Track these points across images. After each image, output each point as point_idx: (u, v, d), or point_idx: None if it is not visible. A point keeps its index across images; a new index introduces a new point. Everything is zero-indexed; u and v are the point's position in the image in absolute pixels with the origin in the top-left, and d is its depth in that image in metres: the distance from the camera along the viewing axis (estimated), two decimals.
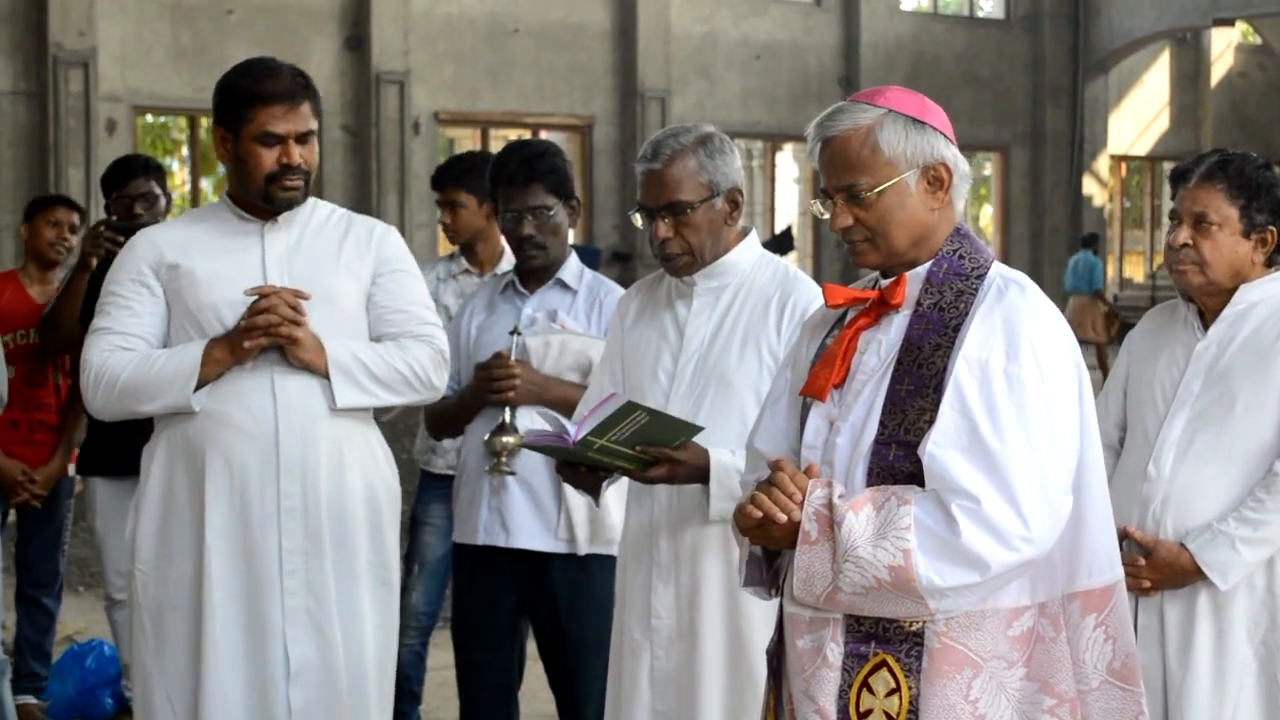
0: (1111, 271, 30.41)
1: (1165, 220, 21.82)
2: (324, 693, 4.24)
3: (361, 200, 21.11)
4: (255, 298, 4.17)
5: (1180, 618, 3.95)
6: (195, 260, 4.29)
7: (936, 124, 3.10)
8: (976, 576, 2.86)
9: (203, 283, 4.27)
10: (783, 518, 2.98)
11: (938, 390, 2.95)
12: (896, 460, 2.98)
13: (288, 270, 4.31)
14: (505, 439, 4.64)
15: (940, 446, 2.90)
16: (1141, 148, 30.58)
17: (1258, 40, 31.01)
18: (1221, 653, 3.92)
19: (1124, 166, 30.84)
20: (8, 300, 6.63)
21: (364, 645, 4.32)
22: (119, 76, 19.78)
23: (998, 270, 3.08)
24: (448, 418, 4.94)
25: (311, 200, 4.44)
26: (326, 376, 4.24)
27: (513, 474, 4.69)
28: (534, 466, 4.71)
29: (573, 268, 4.92)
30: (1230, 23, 28.15)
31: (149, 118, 21.86)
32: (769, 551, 3.21)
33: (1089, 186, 28.93)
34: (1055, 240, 28.63)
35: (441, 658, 7.45)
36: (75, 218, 6.70)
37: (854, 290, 3.18)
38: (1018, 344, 2.93)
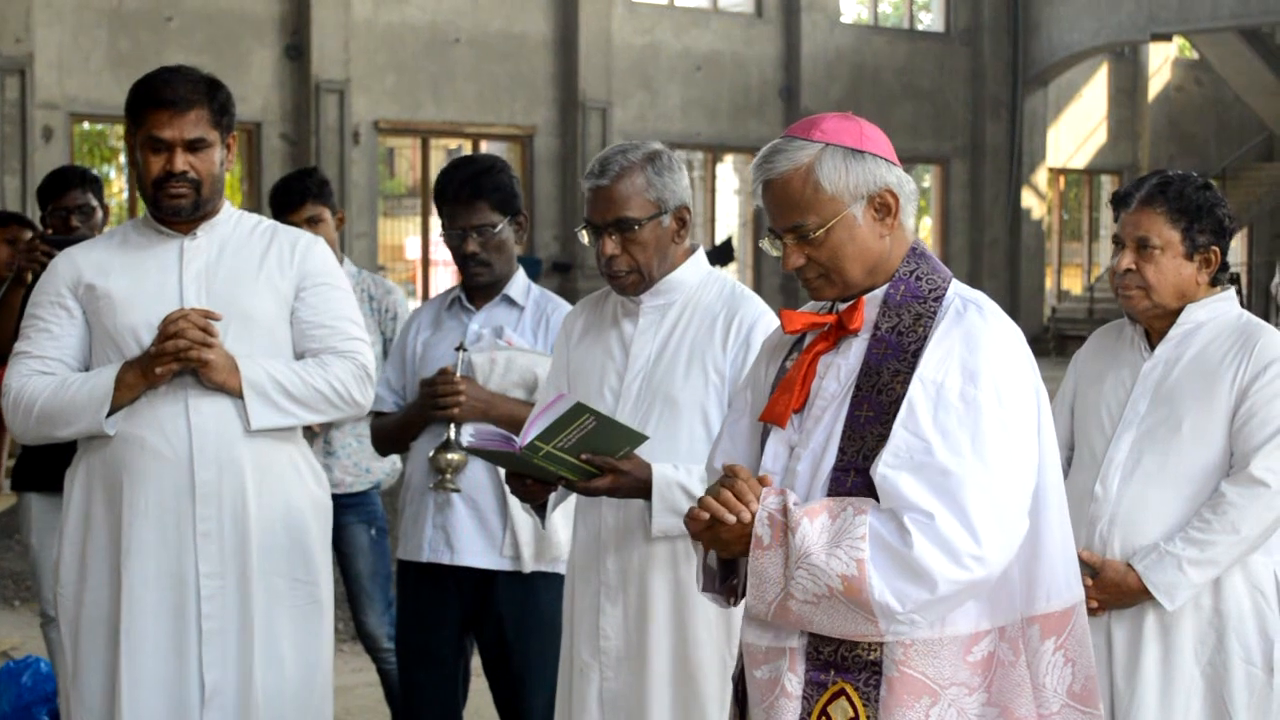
0: (1050, 284, 30.59)
1: (1104, 233, 21.94)
2: (240, 717, 4.19)
3: None
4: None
5: (1127, 638, 3.95)
6: (113, 281, 4.24)
7: (876, 149, 3.06)
8: (926, 593, 2.83)
9: (119, 304, 4.22)
10: (731, 519, 2.94)
11: (896, 415, 2.92)
12: (855, 487, 2.95)
13: (205, 287, 4.25)
14: (450, 456, 4.60)
15: (892, 467, 2.87)
16: (1080, 161, 30.79)
17: (1195, 55, 31.25)
18: (1169, 673, 3.93)
19: (1062, 179, 31.04)
20: None
21: (292, 667, 4.28)
22: (56, 83, 19.59)
23: (956, 290, 3.05)
24: (392, 433, 4.90)
25: (236, 212, 4.39)
26: (241, 397, 4.19)
27: (458, 491, 4.65)
28: (479, 483, 4.68)
29: (519, 284, 4.88)
30: (1168, 38, 28.35)
31: (86, 125, 21.65)
32: (724, 563, 3.19)
33: (1028, 199, 29.10)
34: (994, 252, 28.80)
35: (354, 676, 7.43)
36: (29, 234, 6.61)
37: (812, 315, 3.14)
38: (975, 366, 2.91)
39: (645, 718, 3.92)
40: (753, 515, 2.94)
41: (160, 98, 4.19)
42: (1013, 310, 28.79)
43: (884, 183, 3.04)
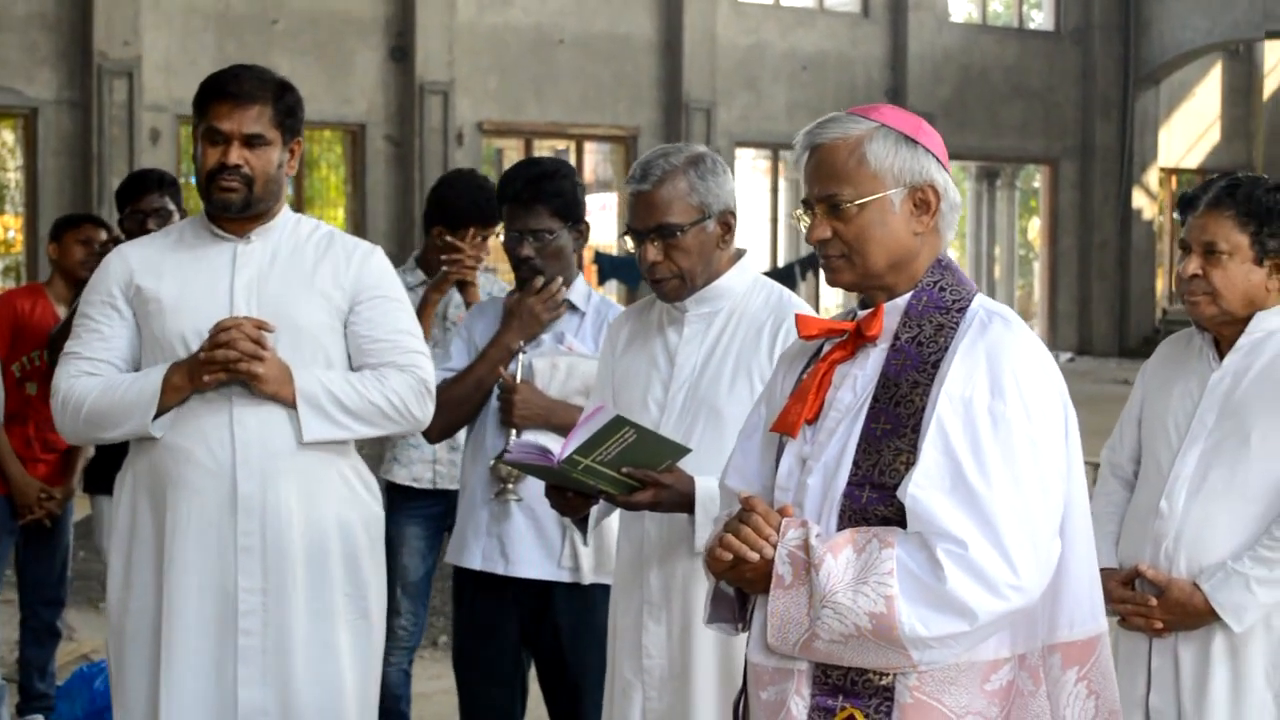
0: (1161, 286, 30.12)
1: None
2: None
3: (404, 211, 21.10)
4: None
5: (1195, 660, 3.79)
6: (164, 284, 4.19)
7: (930, 145, 2.95)
8: (964, 625, 2.70)
9: (169, 309, 4.17)
10: (754, 557, 2.83)
11: (916, 430, 2.80)
12: (870, 503, 2.82)
13: (256, 295, 4.18)
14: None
15: (922, 488, 2.74)
16: (1192, 161, 30.28)
17: None
18: (1239, 696, 3.76)
19: (1174, 180, 30.53)
20: (36, 317, 6.59)
21: (342, 685, 4.20)
22: (163, 86, 19.77)
23: (980, 303, 2.92)
24: (456, 402, 4.71)
25: (294, 217, 4.33)
26: (295, 408, 4.12)
27: (520, 500, 4.58)
28: (539, 493, 4.56)
29: (580, 289, 4.77)
30: None
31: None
32: (740, 590, 3.07)
33: (1139, 199, 28.66)
34: (1104, 254, 28.40)
35: (432, 684, 7.36)
36: (104, 235, 6.64)
37: (829, 321, 3.03)
38: (1002, 380, 2.77)
39: None
40: (774, 550, 2.83)
41: (224, 90, 4.15)
42: (1123, 312, 28.53)
43: (929, 178, 2.92)
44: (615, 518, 4.08)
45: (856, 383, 2.93)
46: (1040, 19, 29.08)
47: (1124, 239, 28.54)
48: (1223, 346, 3.90)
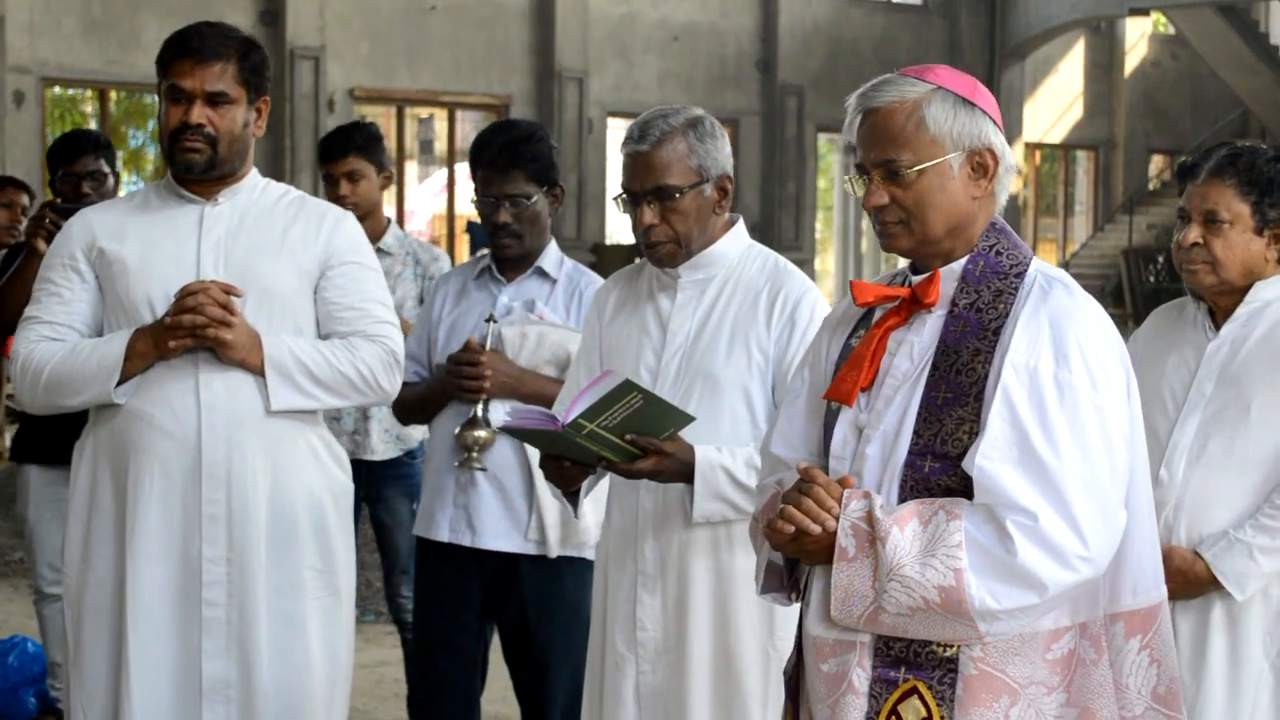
0: None
1: (1079, 209, 21.81)
2: (243, 711, 4.00)
3: (275, 178, 20.56)
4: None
5: (1193, 629, 3.78)
6: (127, 246, 4.05)
7: (986, 107, 2.89)
8: (1035, 598, 2.67)
9: (133, 271, 4.03)
10: (816, 529, 2.77)
11: (978, 399, 2.75)
12: (933, 473, 2.77)
13: (224, 257, 4.05)
14: (477, 433, 4.41)
15: (990, 459, 2.69)
16: (1056, 136, 30.68)
17: (1170, 30, 31.15)
18: (1236, 665, 3.75)
19: (1038, 154, 30.92)
20: None
21: (308, 661, 4.08)
22: (27, 47, 19.33)
23: (1038, 268, 2.87)
24: (415, 405, 4.69)
25: (263, 181, 4.20)
26: (263, 375, 4.00)
27: (484, 470, 4.46)
28: (506, 463, 4.49)
29: (553, 256, 4.67)
30: (1145, 12, 28.28)
31: (57, 90, 21.35)
32: (789, 558, 3.00)
33: None
34: None
35: (373, 654, 7.27)
36: (25, 198, 6.42)
37: (884, 287, 2.96)
38: (1066, 348, 2.73)
39: (685, 712, 3.75)
40: (836, 522, 2.77)
41: (187, 46, 4.01)
42: None
43: (988, 141, 2.86)
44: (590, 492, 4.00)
45: (914, 350, 2.87)
46: None
47: None
48: (1218, 316, 3.90)
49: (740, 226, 3.95)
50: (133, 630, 3.96)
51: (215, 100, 4.01)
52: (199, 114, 4.00)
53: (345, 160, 5.77)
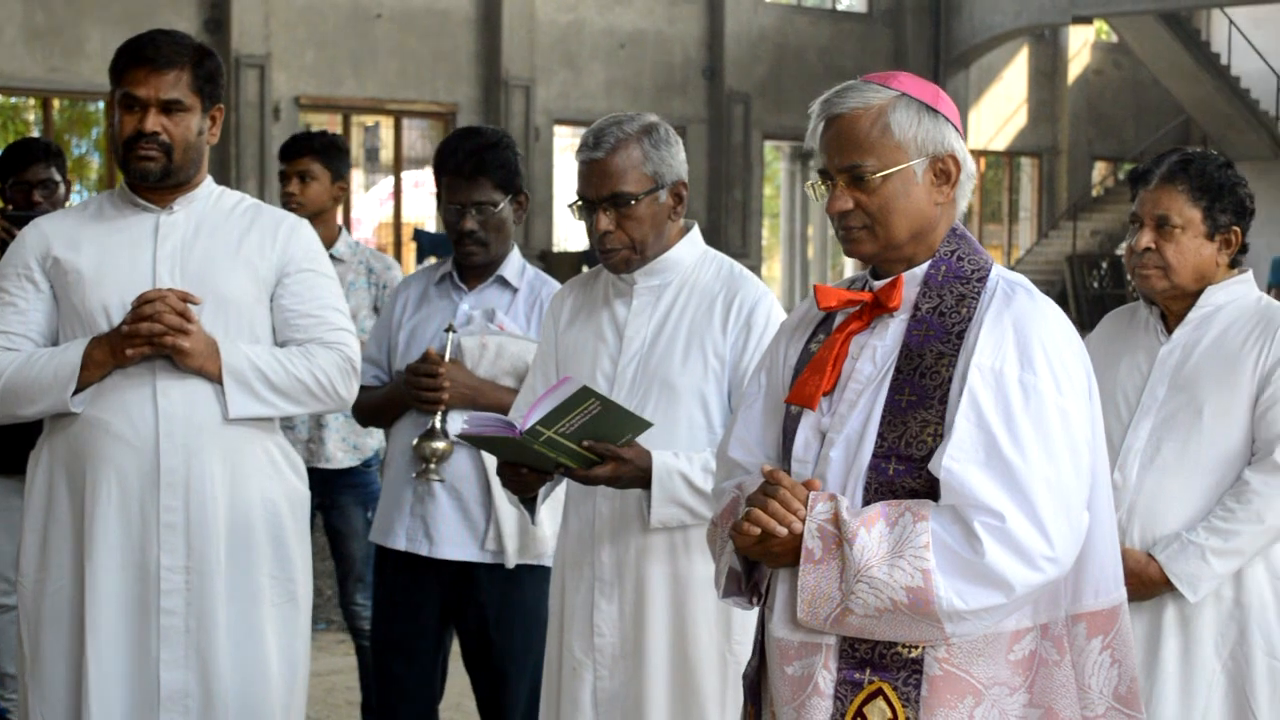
0: None
1: (1023, 215, 21.90)
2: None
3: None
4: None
5: (1146, 630, 3.83)
6: (83, 254, 4.04)
7: (948, 114, 2.92)
8: (1001, 598, 2.69)
9: (89, 280, 4.01)
10: (783, 531, 2.77)
11: (942, 401, 2.77)
12: (897, 475, 2.79)
13: (180, 265, 4.05)
14: (435, 444, 4.40)
15: (957, 461, 2.71)
16: (1000, 143, 30.86)
17: (1114, 38, 31.39)
18: (1189, 666, 3.80)
19: (983, 161, 31.08)
20: None
21: (266, 669, 4.08)
22: None
23: (999, 273, 2.90)
24: (373, 411, 4.70)
25: (218, 189, 4.19)
26: (220, 383, 4.00)
27: (441, 481, 4.46)
28: (463, 474, 4.49)
29: (515, 264, 4.67)
30: (1088, 20, 28.46)
31: (0, 98, 21.21)
32: (748, 562, 3.01)
33: None
34: None
35: (326, 662, 7.24)
36: None
37: (847, 292, 2.97)
38: (1031, 352, 2.76)
39: (643, 717, 3.75)
40: (802, 524, 2.79)
41: (140, 55, 4.00)
42: None
43: (951, 148, 2.89)
44: (546, 503, 3.99)
45: (876, 354, 2.89)
46: (851, 1, 29.40)
47: None
48: (1170, 321, 3.94)
49: (695, 233, 3.96)
50: (91, 639, 3.94)
51: (170, 108, 4.01)
52: (154, 122, 4.00)
53: (300, 160, 5.90)
